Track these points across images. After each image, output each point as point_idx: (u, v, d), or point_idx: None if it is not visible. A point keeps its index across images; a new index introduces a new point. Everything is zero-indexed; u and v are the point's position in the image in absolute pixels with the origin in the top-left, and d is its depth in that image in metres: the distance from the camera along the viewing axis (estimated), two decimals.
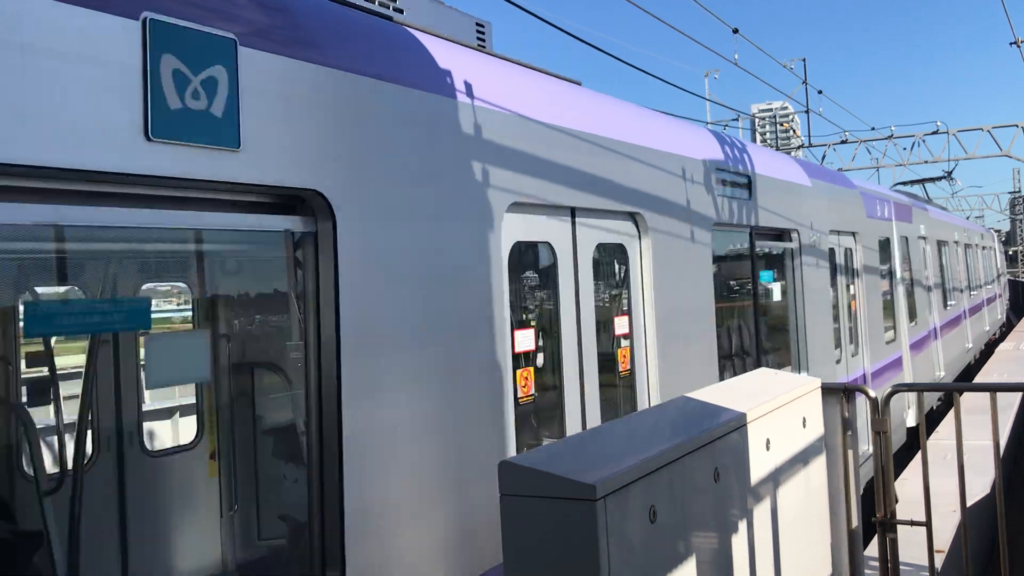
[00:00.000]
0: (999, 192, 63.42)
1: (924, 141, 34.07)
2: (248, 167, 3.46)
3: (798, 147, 36.97)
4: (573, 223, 5.76)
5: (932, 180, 29.69)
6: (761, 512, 4.46)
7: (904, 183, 29.69)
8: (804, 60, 35.17)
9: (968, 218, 59.43)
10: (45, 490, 4.33)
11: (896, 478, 9.06)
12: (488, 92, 4.93)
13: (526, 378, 5.19)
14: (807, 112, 30.82)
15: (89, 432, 5.33)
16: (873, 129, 33.73)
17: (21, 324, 5.16)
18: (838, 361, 11.08)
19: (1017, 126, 31.28)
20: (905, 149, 34.25)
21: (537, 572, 3.12)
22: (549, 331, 5.52)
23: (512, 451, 4.87)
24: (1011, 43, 11.88)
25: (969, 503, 6.06)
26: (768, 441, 4.59)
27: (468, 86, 4.78)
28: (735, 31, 15.30)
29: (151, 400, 8.48)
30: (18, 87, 2.74)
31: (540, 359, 5.41)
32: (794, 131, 41.05)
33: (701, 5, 13.35)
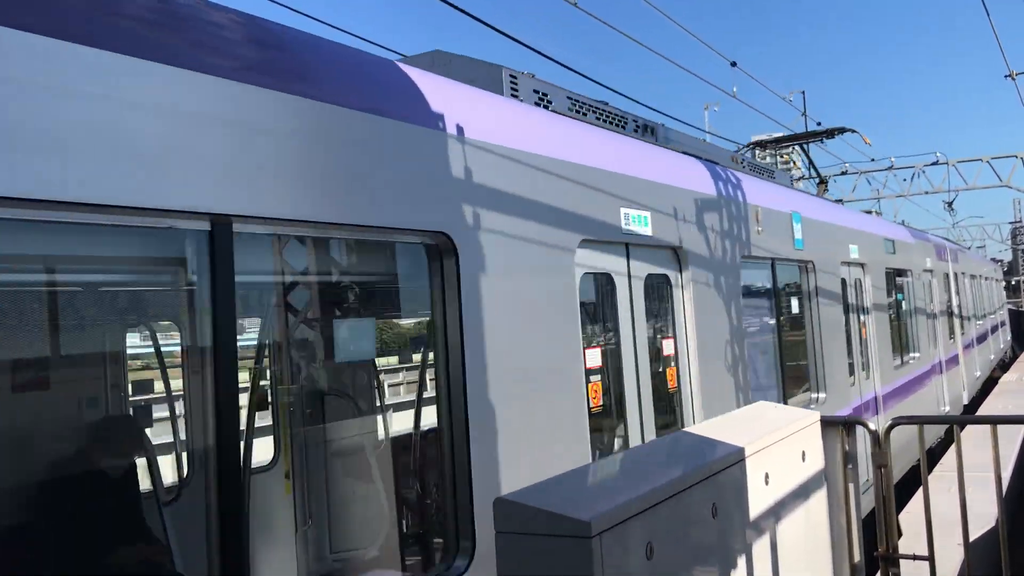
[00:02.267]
0: (1000, 222, 63.57)
1: (924, 172, 34.17)
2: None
3: (798, 179, 37.10)
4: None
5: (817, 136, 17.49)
6: (761, 547, 4.43)
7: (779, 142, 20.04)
8: (803, 92, 35.35)
9: (970, 248, 59.49)
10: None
11: (901, 509, 9.00)
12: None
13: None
14: (807, 143, 30.93)
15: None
16: (873, 160, 33.86)
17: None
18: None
19: (1016, 157, 31.37)
20: (905, 180, 34.37)
21: None
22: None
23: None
24: (1006, 76, 11.98)
25: (974, 536, 6.00)
26: (767, 475, 4.56)
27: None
28: (733, 64, 15.43)
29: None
30: None
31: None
32: (794, 163, 41.17)
33: (699, 40, 13.48)
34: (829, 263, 11.32)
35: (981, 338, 27.78)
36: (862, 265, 13.08)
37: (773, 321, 9.58)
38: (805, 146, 19.30)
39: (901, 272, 15.74)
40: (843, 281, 12.15)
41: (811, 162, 19.21)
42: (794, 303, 10.39)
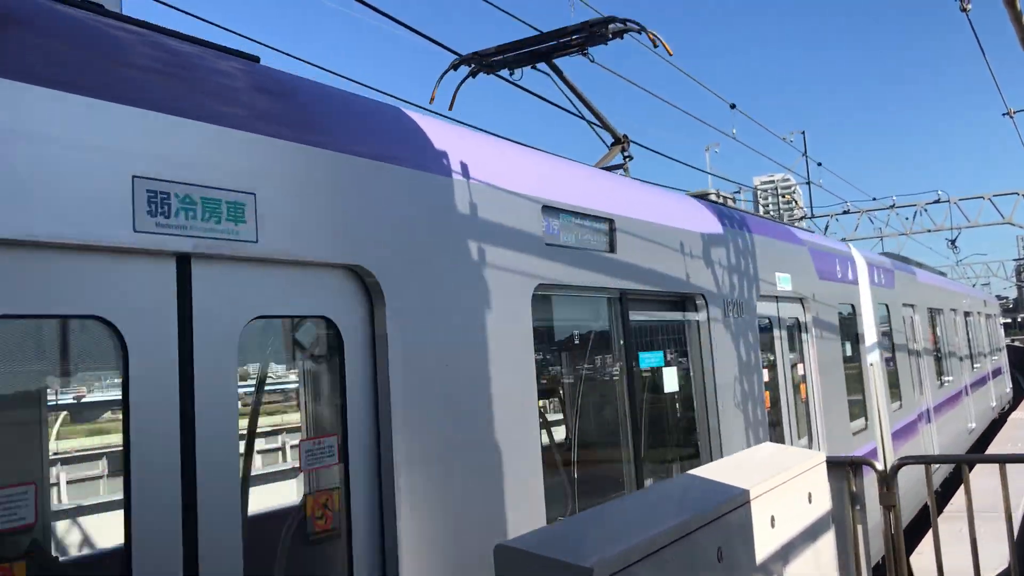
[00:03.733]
0: (1004, 259, 63.43)
1: (926, 210, 34.23)
2: None
3: (800, 218, 37.18)
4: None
5: None
6: None
7: None
8: (803, 133, 35.59)
9: (974, 286, 59.21)
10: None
11: (912, 551, 8.86)
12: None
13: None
14: (808, 184, 31.09)
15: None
16: (874, 199, 33.95)
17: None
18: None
19: (1018, 194, 31.42)
20: (907, 219, 34.42)
21: None
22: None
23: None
24: (1004, 114, 12.05)
25: None
26: (773, 518, 4.50)
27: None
28: (732, 106, 15.54)
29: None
30: None
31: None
32: (796, 202, 41.26)
33: (699, 83, 13.59)
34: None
35: (968, 391, 21.99)
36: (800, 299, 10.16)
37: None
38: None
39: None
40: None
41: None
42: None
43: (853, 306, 11.89)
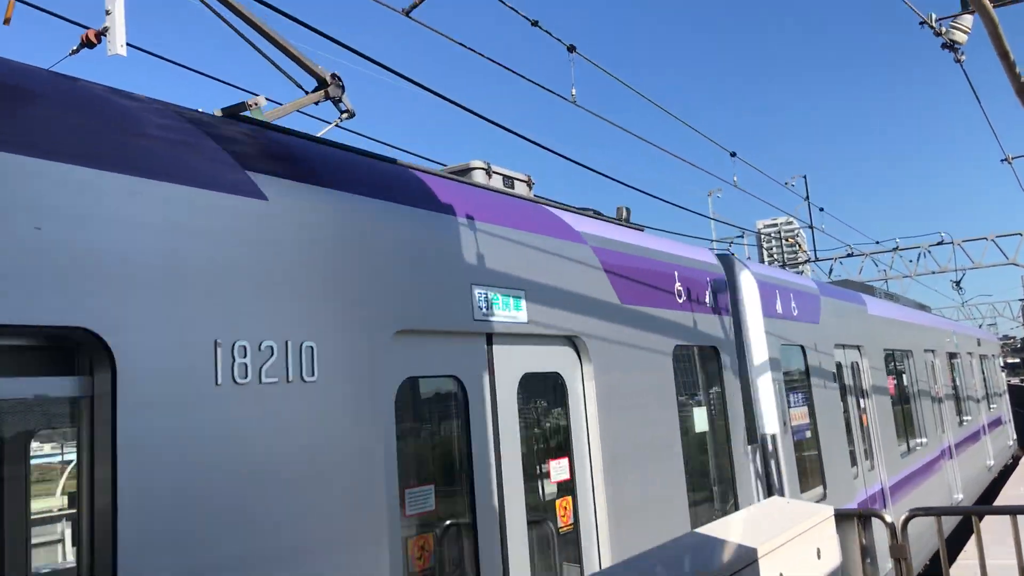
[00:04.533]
0: (1010, 300, 63.30)
1: (930, 252, 34.27)
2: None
3: (804, 262, 37.24)
4: None
5: None
6: None
7: None
8: (804, 177, 35.76)
9: (981, 326, 58.90)
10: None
11: None
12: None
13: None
14: (811, 228, 31.20)
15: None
16: (877, 243, 34.03)
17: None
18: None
19: (1020, 234, 31.48)
20: (911, 261, 34.45)
21: None
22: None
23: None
24: (1002, 160, 12.14)
25: None
26: None
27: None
28: (732, 155, 15.66)
29: None
30: None
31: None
32: (800, 246, 41.36)
33: (699, 132, 13.72)
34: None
35: (952, 452, 18.19)
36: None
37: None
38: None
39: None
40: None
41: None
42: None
43: (716, 348, 8.44)
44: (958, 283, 41.42)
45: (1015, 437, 30.97)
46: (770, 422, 8.91)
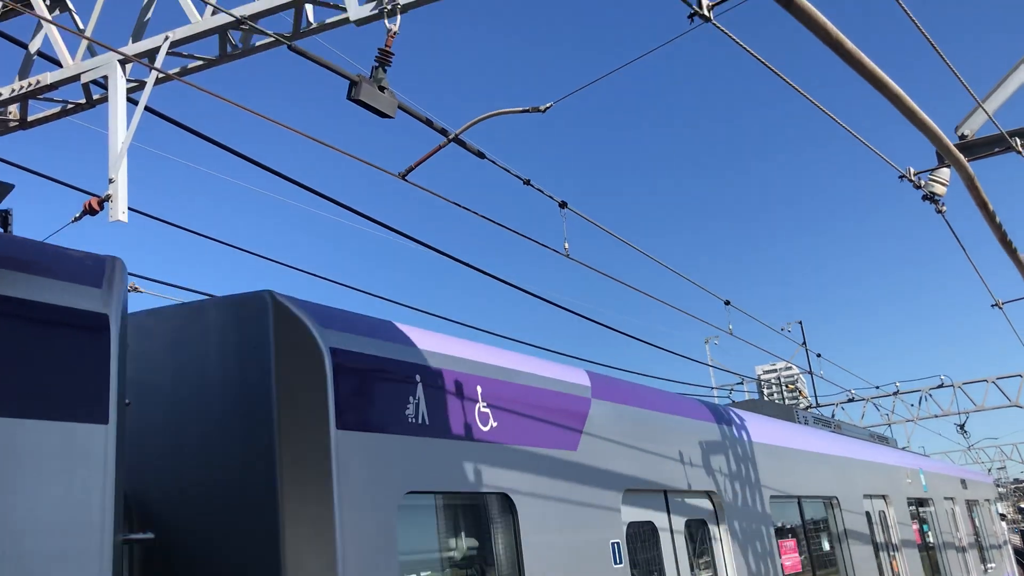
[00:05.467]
0: (1017, 442, 62.56)
1: (931, 395, 34.15)
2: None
3: (806, 407, 37.02)
4: None
5: None
6: None
7: None
8: (800, 323, 36.04)
9: (989, 471, 57.85)
10: None
11: None
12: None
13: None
14: (810, 374, 31.18)
15: None
16: (877, 388, 33.96)
17: None
18: None
19: (1020, 376, 31.45)
20: (913, 405, 34.29)
21: None
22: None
23: None
24: (992, 305, 12.32)
25: None
26: None
27: None
28: (727, 303, 15.83)
29: None
30: None
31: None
32: (800, 391, 41.25)
33: (694, 283, 13.93)
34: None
35: None
36: None
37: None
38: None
39: None
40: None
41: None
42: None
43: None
44: (962, 426, 41.07)
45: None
46: None
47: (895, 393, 34.34)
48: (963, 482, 21.02)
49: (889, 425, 36.66)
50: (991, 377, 32.57)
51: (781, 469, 10.49)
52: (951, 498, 18.89)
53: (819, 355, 28.12)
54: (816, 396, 34.06)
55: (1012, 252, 8.14)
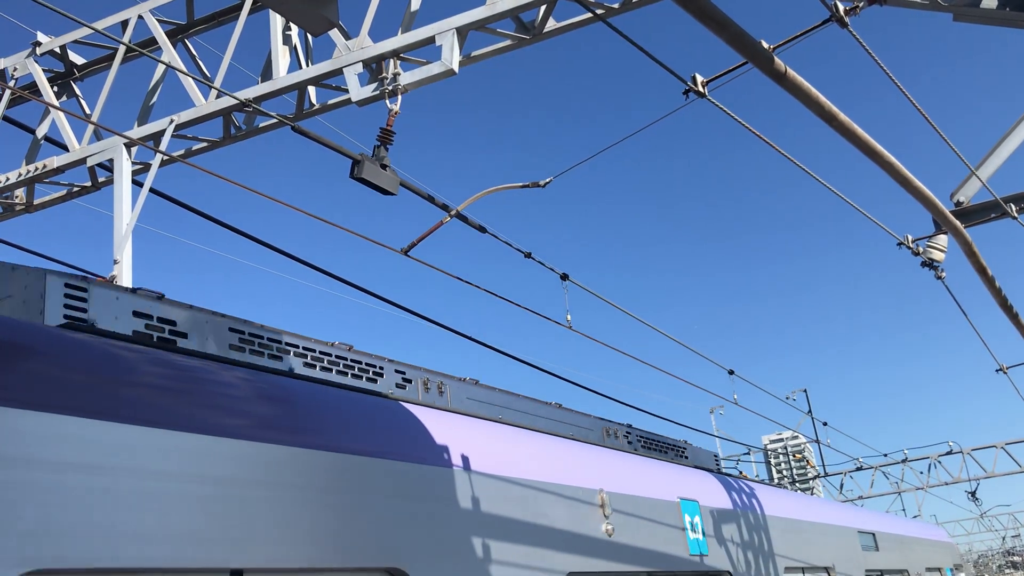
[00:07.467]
0: None
1: (940, 462, 33.75)
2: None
3: (814, 477, 36.56)
4: None
5: None
6: None
7: None
8: (805, 391, 35.83)
9: (1004, 539, 56.75)
10: None
11: None
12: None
13: None
14: (817, 442, 30.89)
15: None
16: (886, 455, 33.61)
17: None
18: None
19: None
20: (922, 472, 33.87)
21: None
22: None
23: None
24: (996, 370, 12.30)
25: None
26: None
27: None
28: (731, 372, 15.78)
29: None
30: None
31: None
32: (808, 461, 40.77)
33: (699, 353, 13.92)
34: None
35: None
36: None
37: None
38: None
39: None
40: None
41: None
42: None
43: None
44: (974, 493, 40.50)
45: None
46: None
47: (904, 461, 33.96)
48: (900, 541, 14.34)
49: (899, 494, 36.16)
50: (1000, 443, 32.25)
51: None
52: (903, 573, 13.55)
53: (825, 423, 27.89)
54: (824, 465, 33.68)
55: (1013, 316, 8.15)
